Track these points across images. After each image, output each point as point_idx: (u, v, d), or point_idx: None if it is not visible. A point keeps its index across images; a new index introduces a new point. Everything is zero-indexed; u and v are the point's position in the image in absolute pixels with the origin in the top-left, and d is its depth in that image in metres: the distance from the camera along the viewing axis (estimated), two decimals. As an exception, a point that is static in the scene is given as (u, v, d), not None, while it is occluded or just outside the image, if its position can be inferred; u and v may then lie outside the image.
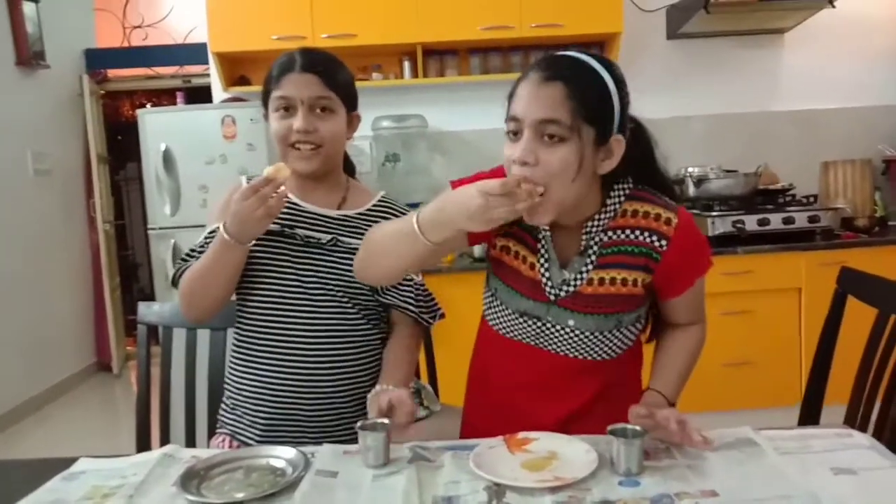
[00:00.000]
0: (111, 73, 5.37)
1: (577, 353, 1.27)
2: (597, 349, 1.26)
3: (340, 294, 1.41)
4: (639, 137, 1.22)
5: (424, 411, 2.29)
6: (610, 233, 1.22)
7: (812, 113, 3.69)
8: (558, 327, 1.25)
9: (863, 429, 1.40)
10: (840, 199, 3.53)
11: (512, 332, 1.31)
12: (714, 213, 3.13)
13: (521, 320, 1.28)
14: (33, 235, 4.32)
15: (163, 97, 6.18)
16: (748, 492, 0.97)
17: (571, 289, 1.23)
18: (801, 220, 3.13)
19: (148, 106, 5.51)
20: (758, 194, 3.31)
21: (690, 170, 3.39)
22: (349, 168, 1.56)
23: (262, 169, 1.35)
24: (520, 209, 1.05)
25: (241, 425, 1.46)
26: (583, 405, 1.29)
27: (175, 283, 1.45)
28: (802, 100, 3.70)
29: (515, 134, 1.11)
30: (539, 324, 1.26)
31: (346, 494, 1.05)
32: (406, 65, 3.46)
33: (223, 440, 1.48)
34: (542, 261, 1.25)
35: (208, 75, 3.74)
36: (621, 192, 1.22)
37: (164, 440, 1.68)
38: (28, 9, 4.31)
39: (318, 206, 1.45)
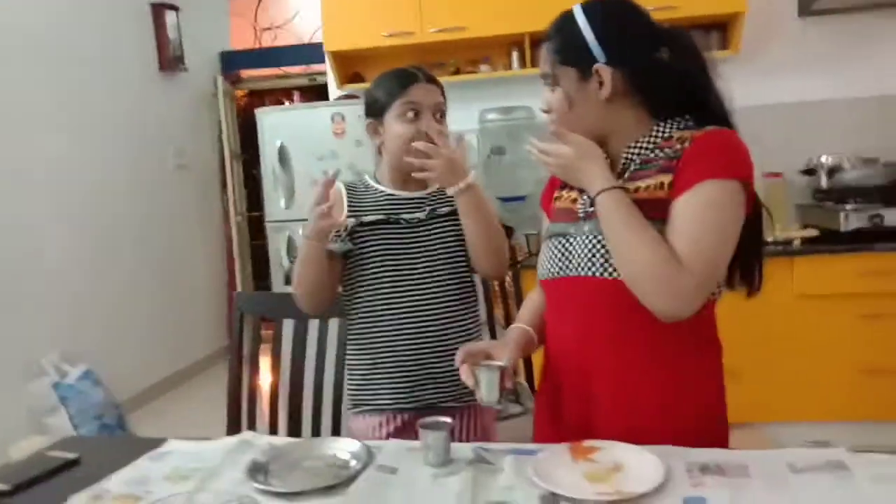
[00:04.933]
0: (245, 73, 5.71)
1: (592, 270, 1.18)
2: (608, 261, 1.15)
3: (445, 258, 1.56)
4: (684, 56, 1.22)
5: (520, 408, 2.27)
6: (650, 153, 1.21)
7: (973, 93, 3.27)
8: (579, 239, 1.22)
9: None
10: None
11: (545, 265, 1.29)
12: (848, 207, 2.86)
13: (552, 244, 1.28)
14: (173, 225, 4.69)
15: (293, 96, 6.48)
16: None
17: None
18: (953, 214, 2.79)
19: (286, 103, 5.79)
20: (902, 186, 2.98)
21: (823, 159, 3.11)
22: None
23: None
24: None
25: (383, 396, 1.55)
26: (609, 338, 1.19)
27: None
28: (963, 78, 3.28)
29: None
30: (563, 241, 1.25)
31: (401, 492, 1.05)
32: (514, 55, 3.41)
33: (367, 417, 1.57)
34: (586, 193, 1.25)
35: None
36: (673, 125, 1.22)
37: (274, 426, 1.80)
38: (170, 17, 4.67)
39: (410, 192, 1.59)
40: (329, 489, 1.07)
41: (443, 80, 3.48)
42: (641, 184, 1.18)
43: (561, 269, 1.24)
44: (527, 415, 2.23)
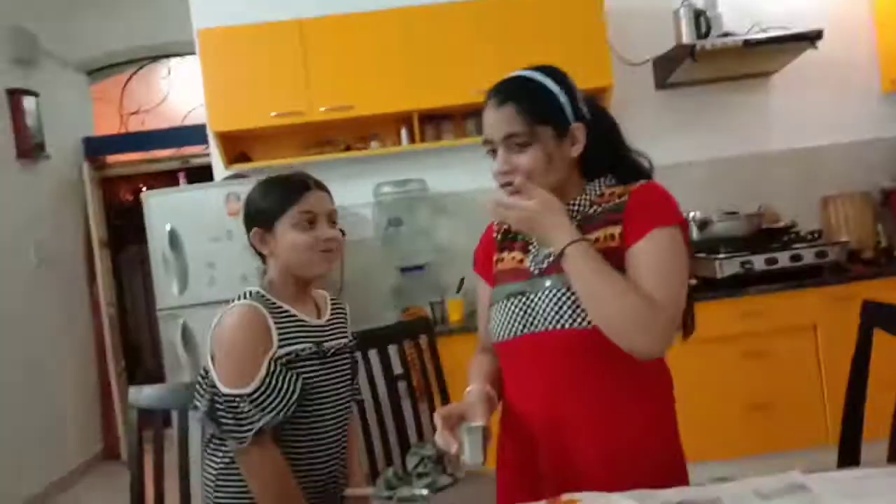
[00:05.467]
0: (110, 158, 5.44)
1: (561, 322, 1.22)
2: (577, 312, 1.21)
3: (351, 387, 1.64)
4: (600, 119, 1.34)
5: (448, 479, 2.24)
6: (588, 209, 1.31)
7: (805, 151, 3.74)
8: (539, 294, 1.26)
9: (909, 464, 1.36)
10: (843, 233, 3.55)
11: (503, 327, 1.30)
12: (721, 256, 3.14)
13: (508, 304, 1.30)
14: (36, 325, 4.29)
15: (160, 179, 6.23)
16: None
17: (550, 259, 1.27)
18: (808, 256, 3.13)
19: (143, 189, 5.57)
20: (762, 234, 3.32)
21: (692, 214, 3.40)
22: None
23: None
24: None
25: None
26: (592, 393, 1.24)
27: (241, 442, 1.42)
28: (794, 139, 3.75)
29: (493, 152, 1.29)
30: (523, 299, 1.28)
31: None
32: (403, 132, 3.51)
33: None
34: (532, 251, 1.33)
35: (207, 155, 3.80)
36: (600, 183, 1.33)
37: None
38: (28, 103, 4.40)
39: (311, 317, 1.57)
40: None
41: (334, 156, 3.52)
42: (590, 237, 1.25)
43: (524, 327, 1.27)
44: (456, 484, 2.20)
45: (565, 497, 1.15)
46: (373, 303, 3.56)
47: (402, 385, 2.26)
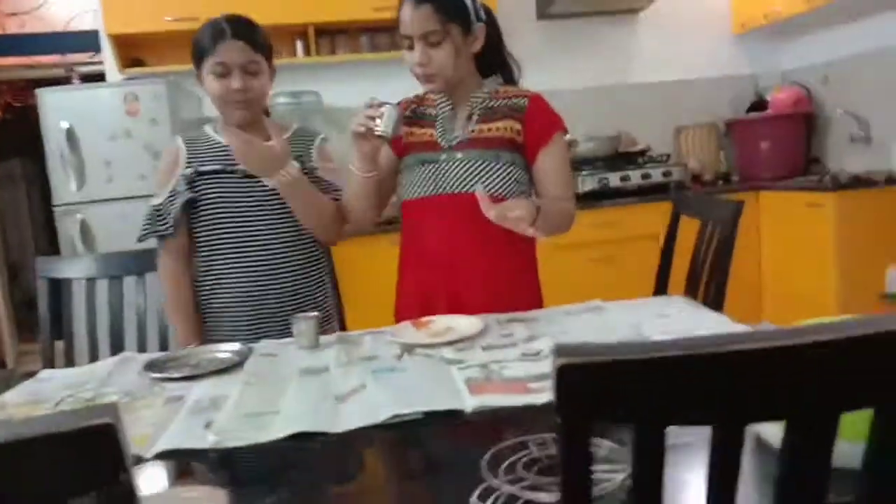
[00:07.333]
0: (-14, 61, 5.20)
1: (467, 187, 1.53)
2: (482, 179, 1.53)
3: (284, 213, 1.67)
4: (492, 24, 1.62)
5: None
6: (489, 103, 1.61)
7: (663, 84, 4.20)
8: (450, 163, 1.58)
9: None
10: (692, 158, 4.06)
11: (415, 187, 1.60)
12: (583, 173, 3.55)
13: (421, 169, 1.60)
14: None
15: (43, 87, 6.00)
16: (585, 329, 1.31)
17: (459, 138, 1.59)
18: (656, 175, 3.60)
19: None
20: (619, 156, 3.76)
21: (562, 136, 3.78)
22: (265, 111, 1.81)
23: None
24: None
25: (226, 331, 1.66)
26: (482, 247, 1.55)
27: None
28: (654, 73, 4.19)
29: (410, 47, 1.53)
30: (435, 166, 1.59)
31: (287, 364, 1.31)
32: (299, 45, 3.65)
33: None
34: (439, 129, 1.62)
35: (94, 63, 3.76)
36: (495, 82, 1.64)
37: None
38: None
39: None
40: (224, 370, 1.29)
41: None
42: (493, 125, 1.57)
43: (435, 188, 1.57)
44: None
45: (424, 319, 1.49)
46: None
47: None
